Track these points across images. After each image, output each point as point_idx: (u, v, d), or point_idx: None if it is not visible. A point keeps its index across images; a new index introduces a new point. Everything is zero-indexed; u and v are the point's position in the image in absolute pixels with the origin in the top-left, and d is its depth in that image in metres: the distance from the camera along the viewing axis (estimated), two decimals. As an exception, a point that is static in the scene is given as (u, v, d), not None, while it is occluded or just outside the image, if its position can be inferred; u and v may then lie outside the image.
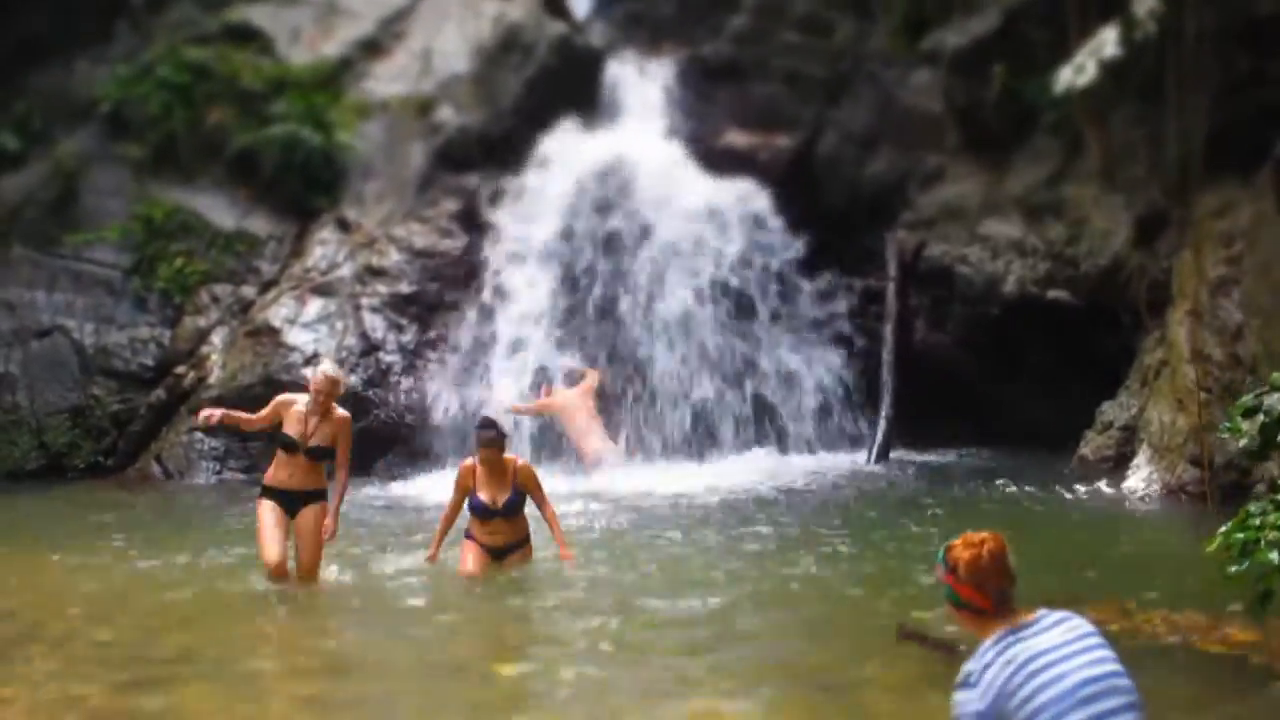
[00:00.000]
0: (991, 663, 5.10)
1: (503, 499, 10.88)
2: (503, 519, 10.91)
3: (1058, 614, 5.22)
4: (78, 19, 20.95)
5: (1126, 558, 11.86)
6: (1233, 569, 7.32)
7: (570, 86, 20.95)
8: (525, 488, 10.99)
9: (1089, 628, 5.16)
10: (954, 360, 19.24)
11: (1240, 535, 7.33)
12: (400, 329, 18.58)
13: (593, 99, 21.21)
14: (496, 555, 10.96)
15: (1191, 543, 10.70)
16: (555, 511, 11.30)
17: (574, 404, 17.56)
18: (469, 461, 11.06)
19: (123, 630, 9.43)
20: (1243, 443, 8.07)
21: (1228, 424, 8.11)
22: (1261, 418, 7.82)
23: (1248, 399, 8.02)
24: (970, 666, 5.16)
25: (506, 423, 14.66)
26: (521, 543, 11.08)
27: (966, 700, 5.11)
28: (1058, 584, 9.70)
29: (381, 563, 11.70)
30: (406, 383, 18.03)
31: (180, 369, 18.39)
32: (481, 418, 11.72)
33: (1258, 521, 7.28)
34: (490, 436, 10.91)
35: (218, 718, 7.40)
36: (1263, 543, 7.14)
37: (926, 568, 11.16)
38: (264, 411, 10.78)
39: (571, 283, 18.97)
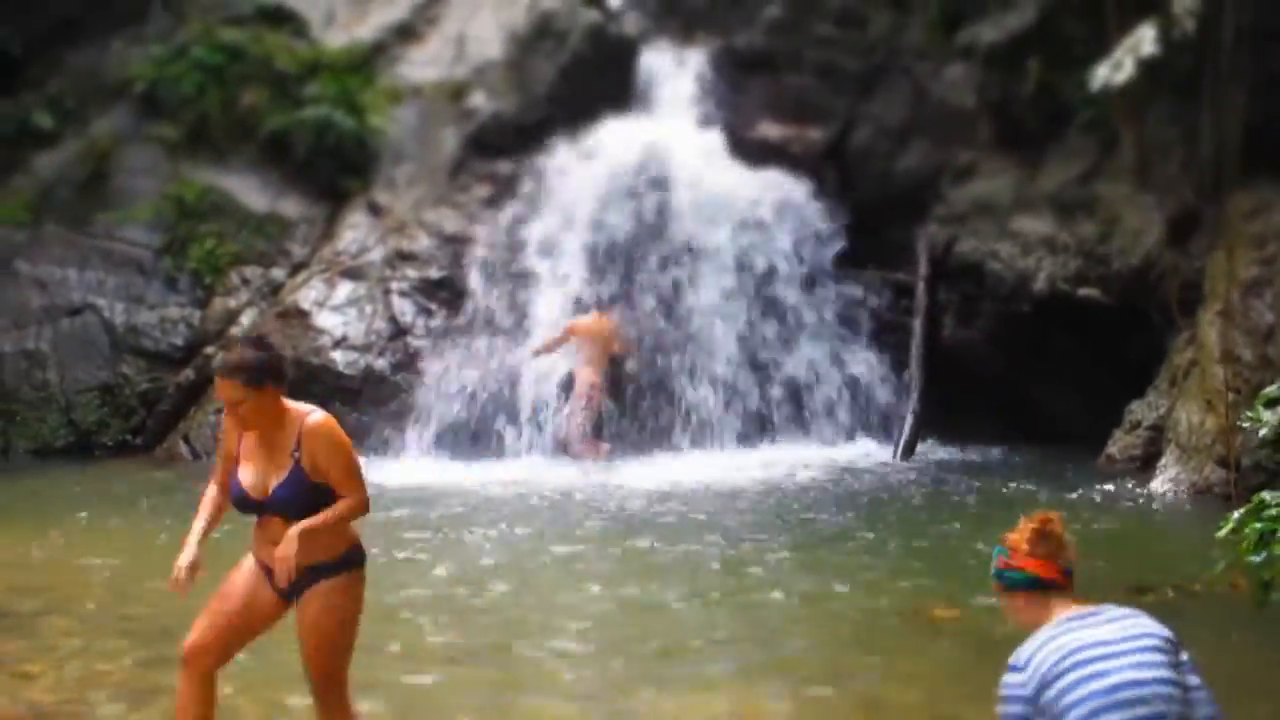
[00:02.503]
0: (1042, 647, 5.02)
1: (275, 481, 6.06)
2: (279, 519, 6.05)
3: (1122, 610, 5.13)
4: (113, -1, 21.02)
5: (1153, 554, 11.83)
6: (1251, 559, 7.30)
7: (603, 75, 20.92)
8: (316, 464, 6.02)
9: (1150, 628, 5.03)
10: (983, 357, 19.17)
11: (1258, 525, 7.30)
12: (429, 313, 18.59)
13: (626, 88, 21.17)
14: (285, 590, 6.10)
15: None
16: (355, 506, 6.07)
17: (594, 330, 17.62)
18: None
19: (149, 607, 9.48)
20: (1263, 433, 8.07)
21: (1249, 414, 8.12)
22: None
23: (1272, 390, 8.04)
24: (1023, 650, 5.10)
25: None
26: (327, 570, 6.08)
27: (1014, 684, 5.02)
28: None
29: (403, 547, 11.72)
30: (435, 367, 18.04)
31: (209, 349, 18.42)
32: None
33: (1275, 511, 7.25)
34: (231, 361, 6.06)
35: (241, 697, 7.44)
36: (1279, 534, 7.11)
37: (944, 561, 11.19)
38: None
39: (602, 271, 18.94)
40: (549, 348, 17.92)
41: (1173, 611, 9.15)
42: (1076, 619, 5.05)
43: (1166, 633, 5.02)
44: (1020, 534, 5.26)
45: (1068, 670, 4.88)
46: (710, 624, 9.26)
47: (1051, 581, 5.17)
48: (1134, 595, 9.91)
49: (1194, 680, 4.97)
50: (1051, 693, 4.89)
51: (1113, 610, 5.09)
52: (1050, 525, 5.26)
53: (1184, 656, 5.01)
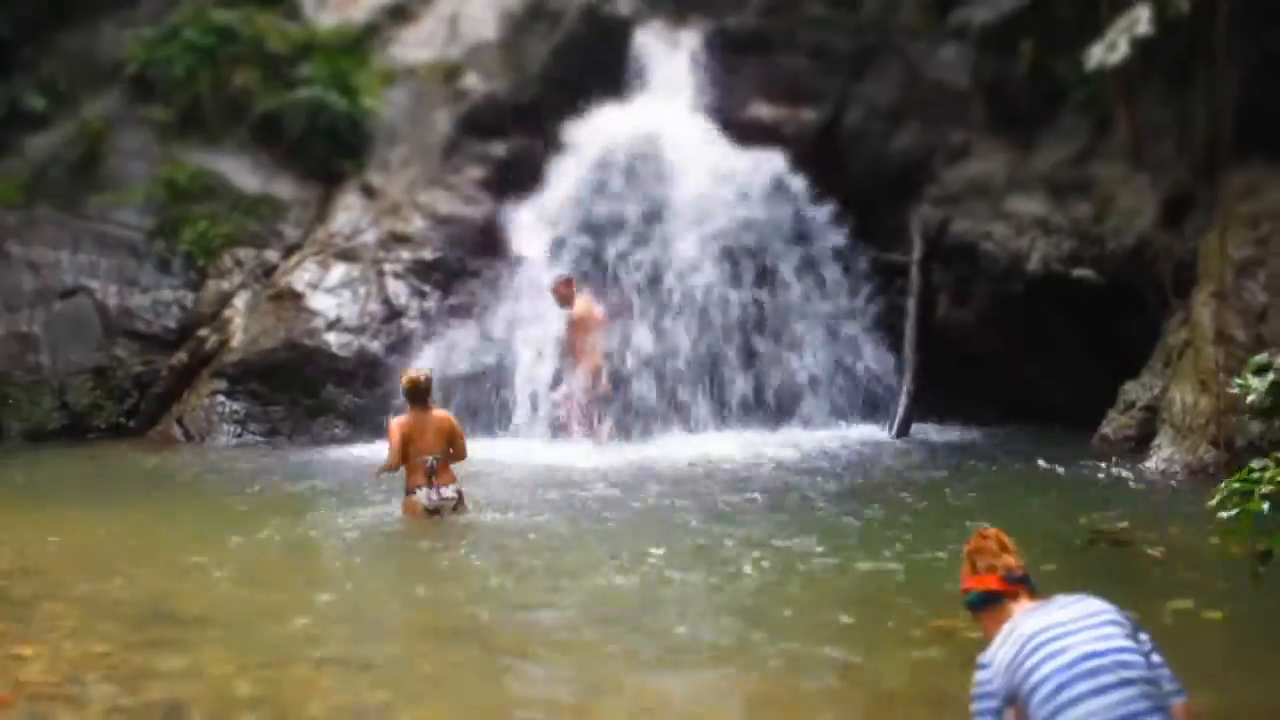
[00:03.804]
0: (1004, 642, 5.14)
1: None
2: None
3: (1073, 597, 5.24)
4: (105, -20, 20.96)
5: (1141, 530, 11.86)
6: (1221, 514, 7.35)
7: (597, 55, 20.85)
8: None
9: (1102, 607, 5.16)
10: (977, 338, 19.17)
11: (1237, 486, 7.35)
12: (423, 295, 18.58)
13: (619, 68, 21.08)
14: None
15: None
16: None
17: (593, 315, 17.60)
18: None
19: (143, 590, 9.50)
20: (1250, 399, 8.13)
21: (1239, 381, 8.18)
22: (1271, 375, 7.89)
23: (1261, 357, 8.13)
24: (988, 649, 5.21)
25: None
26: None
27: (982, 680, 5.16)
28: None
29: (401, 527, 11.73)
30: (429, 349, 18.02)
31: (203, 332, 18.45)
32: None
33: (1257, 475, 7.29)
34: None
35: (236, 679, 7.44)
36: (1256, 494, 7.16)
37: (935, 541, 11.18)
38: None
39: (596, 252, 18.91)
40: (578, 351, 17.66)
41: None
42: (1030, 612, 5.19)
43: (1120, 612, 5.14)
44: (967, 550, 5.45)
45: (1028, 655, 4.99)
46: (700, 604, 9.26)
47: (999, 593, 5.31)
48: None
49: (1156, 658, 5.06)
50: (1017, 679, 5.00)
51: (1063, 598, 5.24)
52: (979, 541, 5.43)
53: (1143, 635, 5.12)
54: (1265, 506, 7.14)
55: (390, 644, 8.20)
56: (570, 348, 17.53)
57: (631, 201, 19.11)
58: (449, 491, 11.94)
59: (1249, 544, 7.53)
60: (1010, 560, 5.38)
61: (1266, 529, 7.28)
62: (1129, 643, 5.02)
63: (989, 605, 5.40)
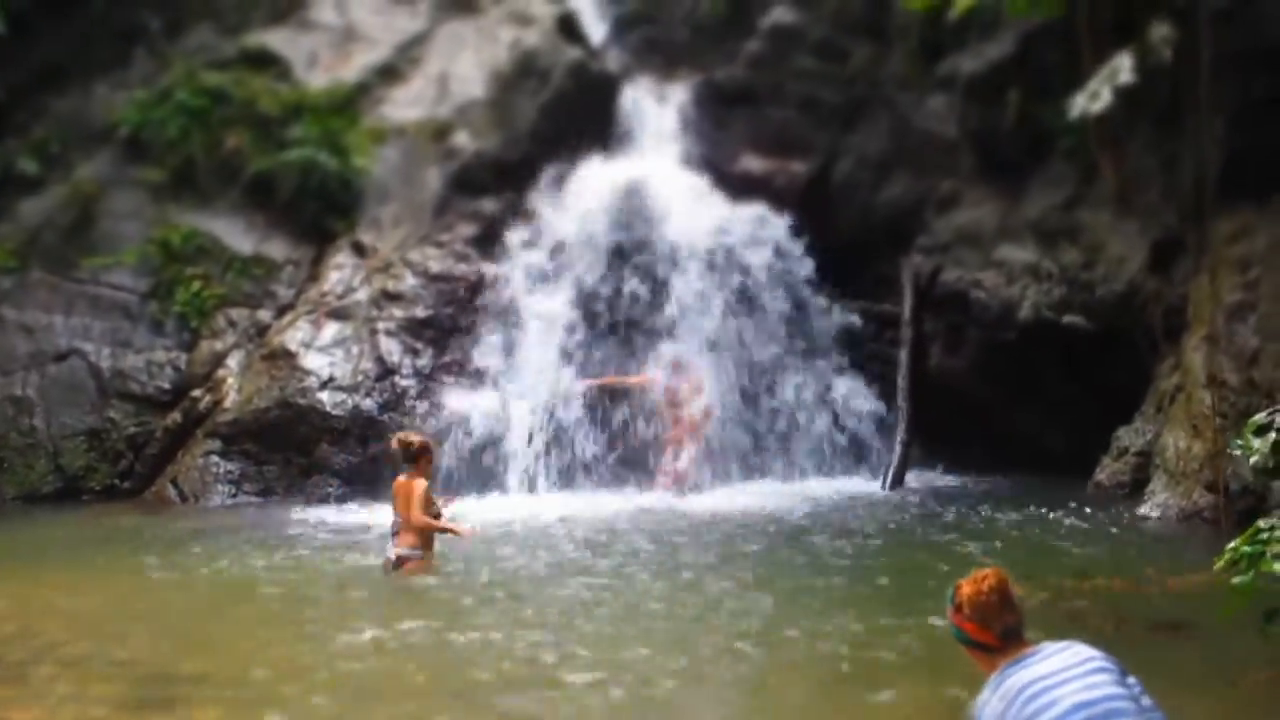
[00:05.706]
0: (993, 695, 5.12)
1: None
2: None
3: (1061, 644, 5.23)
4: (96, 45, 21.07)
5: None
6: (1236, 580, 7.32)
7: (586, 112, 20.99)
8: None
9: (1091, 653, 5.15)
10: (969, 386, 19.21)
11: (1247, 549, 7.34)
12: (416, 353, 18.59)
13: (608, 124, 21.24)
14: None
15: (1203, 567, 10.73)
16: None
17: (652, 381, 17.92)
18: None
19: (139, 651, 9.46)
20: (1253, 460, 8.10)
21: (1239, 442, 8.16)
22: (1273, 435, 7.87)
23: (1260, 417, 8.10)
24: (976, 702, 5.19)
25: None
26: None
27: None
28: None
29: (402, 584, 11.71)
30: (422, 407, 18.04)
31: (196, 392, 18.43)
32: None
33: (1266, 536, 7.28)
34: None
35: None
36: (1268, 555, 7.14)
37: (928, 592, 11.17)
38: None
39: (588, 308, 18.97)
40: (604, 382, 18.22)
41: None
42: (1018, 663, 5.17)
43: (1107, 657, 5.13)
44: (964, 590, 5.38)
45: (1021, 708, 4.97)
46: (678, 662, 9.23)
47: (988, 645, 5.28)
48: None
49: (1147, 701, 5.05)
50: None
51: (1050, 646, 5.23)
52: (986, 594, 5.37)
53: (1131, 679, 5.10)
54: (1278, 566, 7.13)
55: (395, 704, 8.15)
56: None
57: (620, 256, 19.19)
58: (399, 551, 11.96)
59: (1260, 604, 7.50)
60: (1011, 619, 5.35)
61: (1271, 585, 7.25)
62: (1118, 689, 5.02)
63: (972, 649, 5.38)
